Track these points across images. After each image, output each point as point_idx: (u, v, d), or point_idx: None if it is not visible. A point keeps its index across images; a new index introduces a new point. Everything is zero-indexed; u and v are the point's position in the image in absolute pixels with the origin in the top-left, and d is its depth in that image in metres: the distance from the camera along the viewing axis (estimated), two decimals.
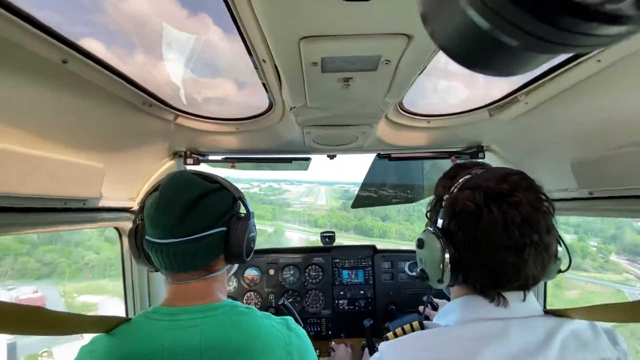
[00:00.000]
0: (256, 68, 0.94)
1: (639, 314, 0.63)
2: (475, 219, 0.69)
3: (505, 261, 0.68)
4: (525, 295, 0.74)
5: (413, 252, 2.41)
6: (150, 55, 1.11)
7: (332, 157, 1.75)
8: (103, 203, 1.20)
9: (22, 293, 10.03)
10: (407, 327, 0.82)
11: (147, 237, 0.82)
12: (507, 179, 0.71)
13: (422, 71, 0.92)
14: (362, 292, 2.22)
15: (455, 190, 0.76)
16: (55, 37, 0.73)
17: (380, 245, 2.37)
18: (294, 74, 0.78)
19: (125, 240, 1.44)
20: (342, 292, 2.21)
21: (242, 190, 0.92)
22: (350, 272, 2.25)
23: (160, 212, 0.78)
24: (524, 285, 0.72)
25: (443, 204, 0.78)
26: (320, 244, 2.32)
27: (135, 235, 0.88)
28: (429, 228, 0.79)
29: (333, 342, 1.99)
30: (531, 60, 0.28)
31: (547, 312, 0.75)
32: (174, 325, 0.74)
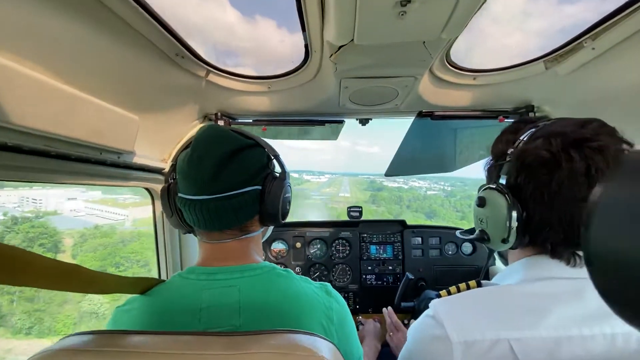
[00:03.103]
0: (298, 3, 0.87)
1: None
2: (550, 169, 0.61)
3: None
4: None
5: (446, 228, 2.31)
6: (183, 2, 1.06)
7: (364, 122, 1.67)
8: (136, 160, 1.18)
9: None
10: (462, 285, 0.76)
11: (179, 194, 0.79)
12: (586, 125, 0.62)
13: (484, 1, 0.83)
14: (390, 267, 2.16)
15: (522, 142, 0.68)
16: None
17: None
18: None
19: (158, 202, 1.43)
20: (369, 267, 2.16)
21: None
22: (378, 247, 2.20)
23: (193, 167, 0.74)
24: None
25: (507, 158, 0.70)
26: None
27: (168, 194, 0.85)
28: (491, 185, 0.71)
29: (361, 317, 1.95)
30: None
31: None
32: (211, 285, 0.71)
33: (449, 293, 0.76)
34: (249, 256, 0.80)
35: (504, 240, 0.69)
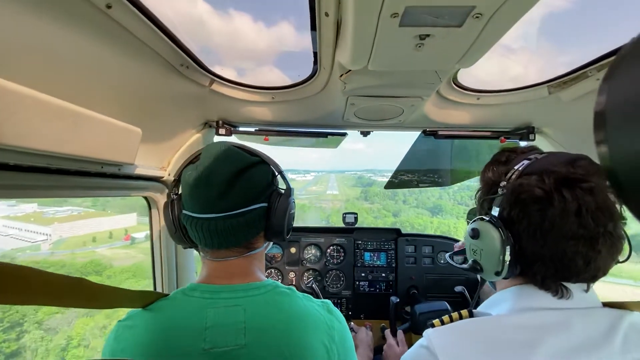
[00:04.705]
0: (312, 24, 0.86)
1: None
2: (542, 206, 0.64)
3: (576, 252, 0.62)
4: (589, 287, 0.70)
5: (437, 237, 2.34)
6: (190, 11, 1.02)
7: (366, 134, 1.67)
8: (136, 170, 1.15)
9: None
10: (454, 315, 0.78)
11: (185, 211, 0.78)
12: (576, 163, 0.65)
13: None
14: (383, 274, 2.18)
15: (515, 175, 0.70)
16: None
17: None
18: (366, 28, 0.69)
19: (155, 211, 1.40)
20: (363, 274, 2.18)
21: None
22: (372, 255, 2.22)
23: (201, 185, 0.73)
24: (593, 277, 0.67)
25: (499, 190, 0.72)
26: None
27: (171, 209, 0.83)
28: (485, 217, 0.73)
29: (353, 323, 1.97)
30: None
31: (605, 305, 0.71)
32: (215, 304, 0.71)
33: (442, 322, 0.77)
34: (252, 274, 0.80)
35: (497, 273, 0.71)
